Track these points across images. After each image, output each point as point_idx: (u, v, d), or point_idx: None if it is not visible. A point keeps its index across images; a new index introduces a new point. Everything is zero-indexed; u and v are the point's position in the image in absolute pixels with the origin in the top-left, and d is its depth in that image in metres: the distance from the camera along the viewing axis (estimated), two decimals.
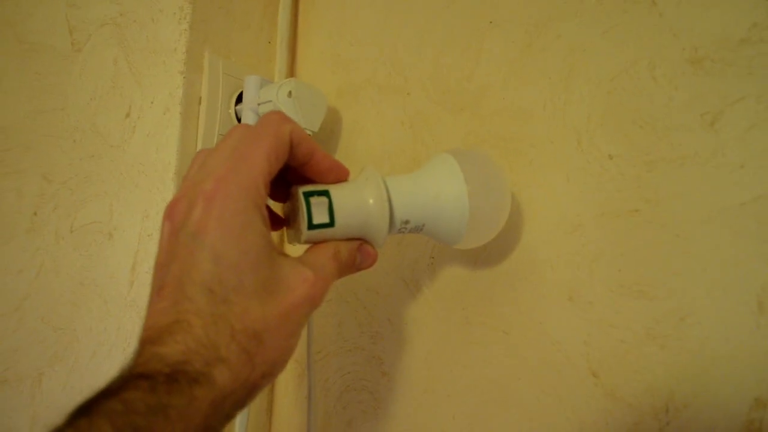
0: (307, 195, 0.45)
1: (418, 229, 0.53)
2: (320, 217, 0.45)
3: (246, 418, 0.69)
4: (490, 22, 0.65)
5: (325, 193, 0.46)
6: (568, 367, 0.55)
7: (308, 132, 0.69)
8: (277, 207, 0.51)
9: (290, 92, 0.68)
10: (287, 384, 0.77)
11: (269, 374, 0.39)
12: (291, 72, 0.82)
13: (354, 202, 0.47)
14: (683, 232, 0.51)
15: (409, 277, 0.67)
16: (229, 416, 0.37)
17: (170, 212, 0.41)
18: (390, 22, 0.74)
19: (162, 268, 0.40)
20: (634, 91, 0.55)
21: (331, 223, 0.46)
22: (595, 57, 0.58)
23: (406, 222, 0.51)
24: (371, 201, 0.47)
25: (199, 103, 0.71)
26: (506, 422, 0.59)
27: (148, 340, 0.35)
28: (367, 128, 0.74)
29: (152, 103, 0.72)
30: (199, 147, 0.70)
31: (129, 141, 0.73)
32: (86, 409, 0.31)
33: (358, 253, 0.49)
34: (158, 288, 0.39)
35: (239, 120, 0.73)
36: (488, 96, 0.64)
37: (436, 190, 0.51)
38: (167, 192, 0.68)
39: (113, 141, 0.74)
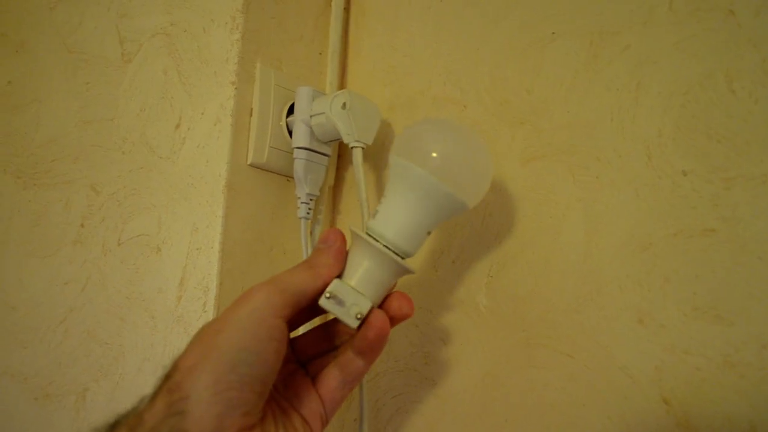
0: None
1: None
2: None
3: None
4: (552, 33, 0.63)
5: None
6: (638, 394, 0.53)
7: (362, 145, 0.67)
8: None
9: (344, 104, 0.66)
10: None
11: (192, 371, 0.40)
12: (342, 84, 0.81)
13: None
14: (765, 254, 0.48)
15: (464, 295, 0.65)
16: None
17: None
18: (444, 32, 0.72)
19: None
20: (710, 105, 0.52)
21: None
22: (666, 69, 0.55)
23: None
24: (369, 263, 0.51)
25: (251, 115, 0.70)
26: None
27: None
28: None
29: (203, 114, 0.70)
30: (250, 159, 0.69)
31: (179, 153, 0.72)
32: None
33: (320, 242, 0.51)
34: None
35: (290, 132, 0.72)
36: (550, 109, 0.62)
37: (410, 200, 0.52)
38: (217, 205, 0.67)
39: (162, 152, 0.73)
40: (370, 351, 0.50)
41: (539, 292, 0.60)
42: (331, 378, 0.51)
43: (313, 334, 0.55)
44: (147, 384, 0.68)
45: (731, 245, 0.50)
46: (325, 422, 0.50)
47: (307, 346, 0.54)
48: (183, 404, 0.39)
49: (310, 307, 0.50)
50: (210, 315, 0.65)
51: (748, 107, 0.51)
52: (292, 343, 0.54)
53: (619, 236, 0.56)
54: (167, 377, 0.41)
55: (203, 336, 0.43)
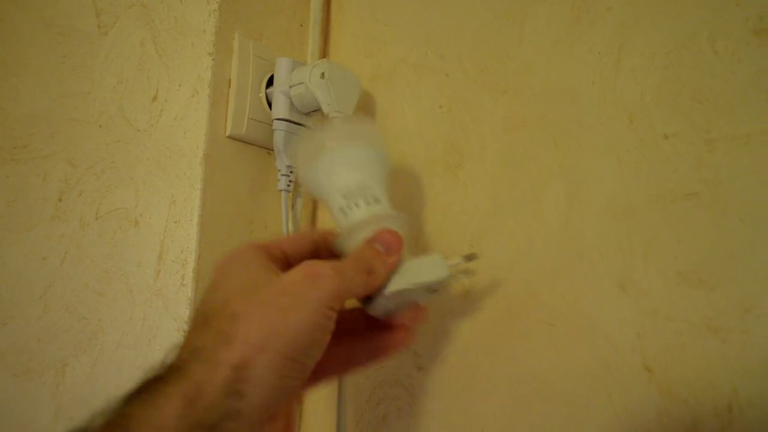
0: None
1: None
2: None
3: None
4: None
5: None
6: (619, 361, 0.52)
7: (341, 115, 0.66)
8: None
9: (323, 73, 0.65)
10: None
11: (260, 350, 0.38)
12: (323, 55, 0.79)
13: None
14: (747, 216, 0.47)
15: None
16: (216, 422, 0.36)
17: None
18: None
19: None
20: (693, 66, 0.51)
21: None
22: (649, 30, 0.54)
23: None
24: None
25: (229, 86, 0.69)
26: (551, 419, 0.55)
27: None
28: (403, 111, 0.70)
29: (180, 86, 0.69)
30: (229, 131, 0.68)
31: (156, 125, 0.71)
32: None
33: (376, 242, 0.48)
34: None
35: (270, 104, 0.71)
36: (532, 75, 0.61)
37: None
38: (195, 178, 0.66)
39: (140, 125, 0.72)
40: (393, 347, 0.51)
41: (520, 261, 0.59)
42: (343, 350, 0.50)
43: None
44: (126, 358, 0.67)
45: (713, 208, 0.49)
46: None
47: None
48: (244, 385, 0.37)
49: None
50: (188, 289, 0.64)
51: (731, 67, 0.49)
52: None
53: (601, 202, 0.55)
54: (220, 332, 0.39)
55: (267, 302, 0.40)
